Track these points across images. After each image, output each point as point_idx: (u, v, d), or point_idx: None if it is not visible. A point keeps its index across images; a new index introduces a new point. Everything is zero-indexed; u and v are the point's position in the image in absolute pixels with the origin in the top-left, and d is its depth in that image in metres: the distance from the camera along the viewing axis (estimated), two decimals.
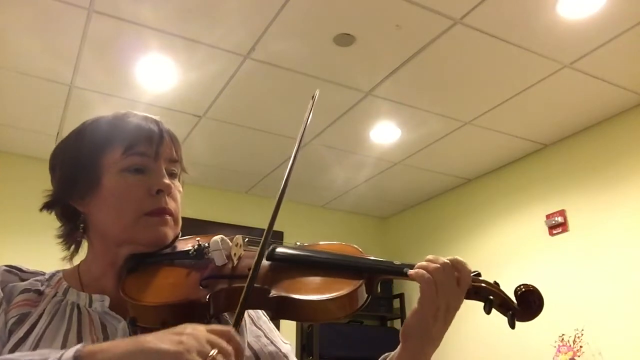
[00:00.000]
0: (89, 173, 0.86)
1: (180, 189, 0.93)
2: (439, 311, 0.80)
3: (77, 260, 0.94)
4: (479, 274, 0.83)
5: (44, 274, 0.89)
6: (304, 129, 0.86)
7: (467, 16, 2.55)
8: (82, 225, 0.89)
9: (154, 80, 3.01)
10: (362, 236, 4.99)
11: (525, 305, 0.80)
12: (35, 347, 0.75)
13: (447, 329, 0.83)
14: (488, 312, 0.82)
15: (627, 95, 3.21)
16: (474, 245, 4.22)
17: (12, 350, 0.75)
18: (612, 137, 3.42)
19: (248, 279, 0.75)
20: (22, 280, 0.85)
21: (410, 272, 0.81)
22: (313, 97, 0.92)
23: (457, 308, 0.82)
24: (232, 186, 4.43)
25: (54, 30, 2.61)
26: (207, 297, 0.78)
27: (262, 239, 0.78)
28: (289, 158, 0.83)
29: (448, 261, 0.81)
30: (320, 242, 0.91)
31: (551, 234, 3.63)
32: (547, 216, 3.66)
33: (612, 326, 3.12)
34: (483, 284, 0.82)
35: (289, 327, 4.26)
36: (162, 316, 0.77)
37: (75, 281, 0.87)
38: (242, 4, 2.48)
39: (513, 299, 0.81)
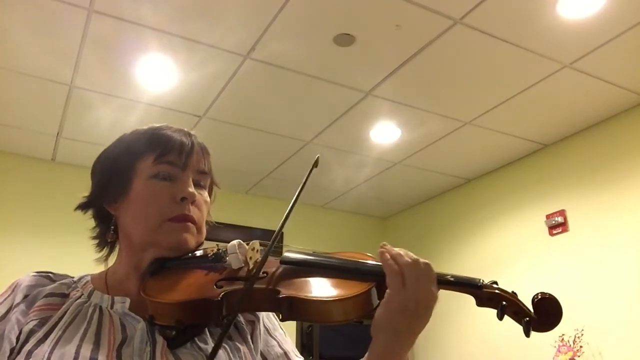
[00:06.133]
0: (121, 178, 0.91)
1: (207, 200, 0.96)
2: (408, 306, 0.78)
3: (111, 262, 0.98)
4: (496, 283, 0.82)
5: (72, 277, 0.93)
6: (301, 189, 0.87)
7: (467, 16, 2.55)
8: (113, 227, 0.93)
9: (154, 80, 3.01)
10: (362, 236, 4.98)
11: (542, 313, 0.79)
12: (54, 346, 0.78)
13: (421, 325, 0.79)
14: (500, 318, 0.79)
15: (627, 95, 3.21)
16: (474, 246, 4.22)
17: (31, 351, 0.78)
18: (612, 137, 3.42)
19: (249, 280, 0.78)
20: (52, 284, 0.89)
21: (382, 257, 0.81)
22: (315, 162, 0.92)
23: (429, 306, 0.79)
24: (232, 186, 4.43)
25: (54, 30, 2.60)
26: (220, 296, 0.80)
27: (269, 245, 0.81)
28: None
29: (422, 260, 0.81)
30: (335, 252, 0.92)
31: (551, 234, 3.63)
32: (547, 216, 3.66)
33: (612, 326, 3.12)
34: (496, 291, 0.80)
35: (289, 326, 4.27)
36: (177, 314, 0.80)
37: (102, 284, 0.91)
38: (242, 4, 2.48)
39: (530, 307, 0.80)
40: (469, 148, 3.87)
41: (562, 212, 3.58)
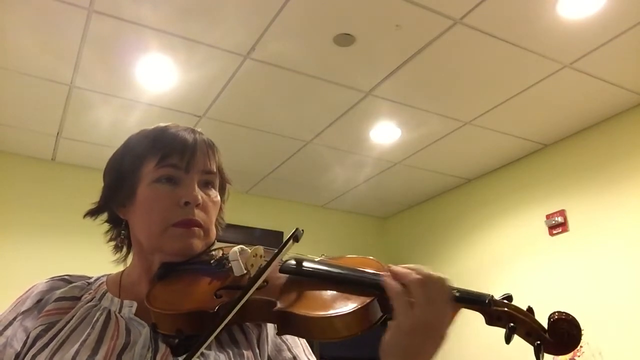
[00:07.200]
0: (127, 183, 0.90)
1: (216, 200, 0.94)
2: (418, 329, 0.71)
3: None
4: (509, 297, 0.73)
5: (89, 278, 0.93)
6: (276, 254, 0.79)
7: (467, 16, 2.55)
8: (123, 232, 0.93)
9: (154, 80, 3.01)
10: (362, 236, 4.98)
11: (557, 335, 0.70)
12: (57, 350, 0.78)
13: (436, 347, 0.72)
14: (507, 341, 0.71)
15: (627, 95, 3.21)
16: (474, 246, 4.22)
17: (35, 355, 0.78)
18: (612, 137, 3.42)
19: (245, 290, 0.74)
20: (66, 287, 0.89)
21: (384, 279, 0.73)
22: (295, 235, 0.80)
23: (443, 327, 0.73)
24: (232, 186, 4.42)
25: (54, 30, 2.60)
26: (216, 308, 0.78)
27: (266, 263, 0.77)
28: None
29: (435, 275, 0.73)
30: (347, 256, 0.85)
31: (551, 234, 3.63)
32: (547, 216, 3.66)
33: (612, 326, 3.12)
34: (505, 309, 0.72)
35: None
36: (177, 324, 0.79)
37: (115, 286, 0.91)
38: (242, 4, 2.48)
39: (545, 326, 0.72)
40: (469, 148, 3.86)
41: (562, 212, 3.58)
